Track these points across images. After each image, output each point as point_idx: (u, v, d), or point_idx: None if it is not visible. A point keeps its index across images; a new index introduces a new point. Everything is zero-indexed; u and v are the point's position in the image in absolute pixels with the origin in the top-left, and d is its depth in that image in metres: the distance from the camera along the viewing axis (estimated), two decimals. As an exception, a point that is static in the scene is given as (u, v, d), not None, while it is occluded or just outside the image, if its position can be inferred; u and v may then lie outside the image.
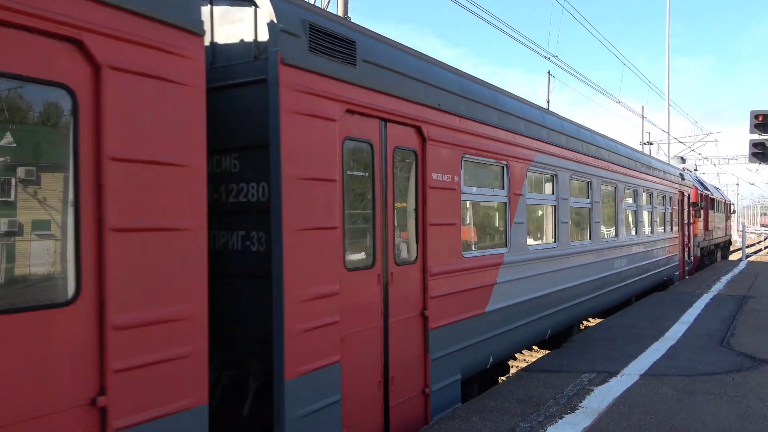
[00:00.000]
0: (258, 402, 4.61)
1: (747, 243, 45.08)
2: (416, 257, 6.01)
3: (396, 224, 5.73)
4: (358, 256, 5.31)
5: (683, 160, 32.26)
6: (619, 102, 26.34)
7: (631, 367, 7.78)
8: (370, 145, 5.38)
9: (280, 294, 4.36)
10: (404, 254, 5.93)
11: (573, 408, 6.20)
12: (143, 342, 3.41)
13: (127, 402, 3.32)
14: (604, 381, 7.17)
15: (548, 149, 9.04)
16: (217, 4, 4.92)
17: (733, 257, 36.54)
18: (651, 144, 42.61)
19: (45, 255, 3.21)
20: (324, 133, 4.76)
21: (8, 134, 2.98)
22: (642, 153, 16.73)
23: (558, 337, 9.75)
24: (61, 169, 3.18)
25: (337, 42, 4.94)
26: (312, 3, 6.84)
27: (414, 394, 5.94)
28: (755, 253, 43.05)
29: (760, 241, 63.90)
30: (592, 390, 6.80)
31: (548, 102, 25.79)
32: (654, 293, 15.59)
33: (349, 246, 5.15)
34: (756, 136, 24.58)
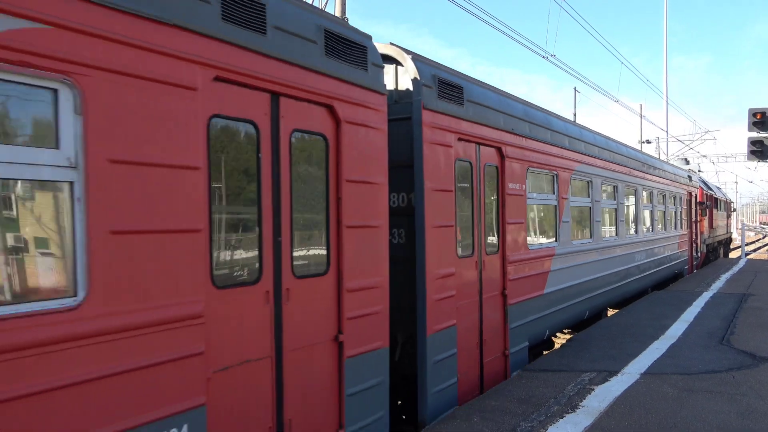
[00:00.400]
0: (403, 352, 6.32)
1: (746, 241, 45.17)
2: (498, 249, 7.63)
3: (485, 223, 7.33)
4: (464, 248, 6.92)
5: (687, 161, 32.69)
6: (617, 101, 26.36)
7: (631, 366, 7.79)
8: (470, 163, 7.03)
9: (422, 274, 5.99)
10: (491, 247, 7.52)
11: (574, 407, 6.20)
12: (360, 301, 5.08)
13: (352, 340, 4.97)
14: (604, 380, 7.17)
15: (585, 160, 10.72)
16: None
17: (732, 255, 36.58)
18: (649, 142, 42.61)
19: (318, 241, 4.83)
20: (446, 156, 6.39)
21: (301, 166, 4.66)
22: (656, 158, 18.37)
23: (591, 320, 11.34)
24: (322, 192, 4.84)
25: (453, 89, 6.61)
26: (311, 1, 7.24)
27: (498, 355, 7.62)
28: (755, 250, 43.09)
29: (760, 239, 63.94)
30: (593, 389, 6.81)
31: (575, 115, 27.12)
32: (654, 291, 15.60)
33: (458, 240, 6.73)
34: (754, 134, 24.60)
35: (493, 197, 7.59)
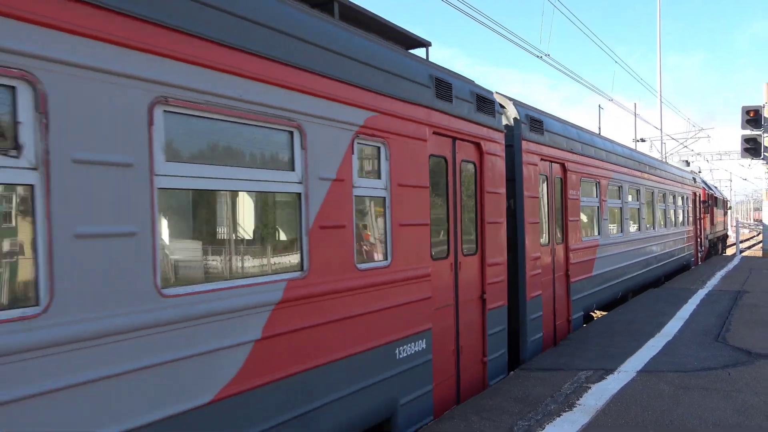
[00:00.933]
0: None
1: (741, 238, 45.30)
2: (562, 240, 10.02)
3: (555, 220, 9.70)
4: (546, 238, 9.38)
5: (688, 163, 33.80)
6: (611, 100, 26.43)
7: (627, 364, 7.82)
8: (546, 177, 9.38)
9: (523, 256, 8.37)
10: (559, 238, 9.91)
11: (571, 406, 6.23)
12: (493, 272, 7.40)
13: (490, 298, 7.31)
14: (601, 378, 7.20)
15: (617, 169, 13.19)
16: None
17: (728, 252, 36.71)
18: (644, 141, 42.74)
19: (472, 232, 7.13)
20: (534, 172, 8.76)
21: (465, 183, 6.98)
22: (669, 164, 21.67)
23: (619, 300, 13.58)
24: (473, 198, 7.18)
25: (537, 123, 8.96)
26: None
27: (564, 321, 10.13)
28: (749, 248, 43.19)
29: (754, 236, 64.20)
30: (590, 387, 6.83)
31: (599, 129, 29.49)
32: (650, 289, 15.66)
33: (543, 232, 9.20)
34: (748, 132, 24.76)
35: (559, 201, 9.98)
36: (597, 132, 15.51)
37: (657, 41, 38.32)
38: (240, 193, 4.29)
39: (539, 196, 8.90)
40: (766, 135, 24.51)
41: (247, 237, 4.44)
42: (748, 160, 64.19)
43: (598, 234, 11.86)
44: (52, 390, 2.91)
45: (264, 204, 4.57)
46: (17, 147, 2.89)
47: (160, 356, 3.43)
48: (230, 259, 4.24)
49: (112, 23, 3.25)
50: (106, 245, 3.19)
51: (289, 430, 4.28)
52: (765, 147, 24.36)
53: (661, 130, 40.25)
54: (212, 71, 3.80)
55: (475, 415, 5.99)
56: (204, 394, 3.68)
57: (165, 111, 3.54)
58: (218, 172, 3.90)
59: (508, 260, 7.94)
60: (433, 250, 6.19)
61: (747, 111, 24.51)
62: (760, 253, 30.64)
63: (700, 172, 40.75)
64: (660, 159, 20.60)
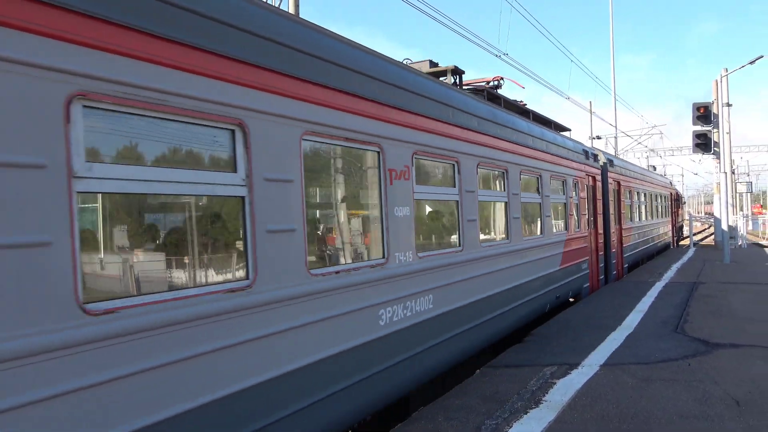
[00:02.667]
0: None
1: (693, 230, 46.87)
2: (618, 223, 17.86)
3: (616, 214, 17.70)
4: (613, 221, 17.12)
5: (655, 168, 37.68)
6: (568, 98, 26.94)
7: (591, 358, 7.88)
8: (616, 190, 17.56)
9: (608, 231, 16.55)
10: (616, 224, 17.75)
11: (537, 402, 6.21)
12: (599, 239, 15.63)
13: (566, 259, 12.29)
14: (565, 373, 7.23)
15: (638, 180, 22.05)
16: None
17: (683, 243, 37.88)
18: (599, 138, 43.72)
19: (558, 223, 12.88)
20: (613, 189, 17.26)
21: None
22: (658, 174, 34.37)
23: (635, 266, 21.20)
24: (595, 200, 15.54)
25: (611, 162, 17.39)
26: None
27: (621, 265, 18.06)
28: (702, 240, 44.75)
29: (705, 228, 66.55)
30: (555, 383, 6.84)
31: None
32: (610, 283, 15.96)
33: (589, 222, 14.49)
34: (698, 128, 25.48)
35: (618, 202, 17.79)
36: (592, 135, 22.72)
37: (610, 40, 39.21)
38: (176, 196, 3.95)
39: (612, 199, 17.03)
40: (715, 131, 25.32)
41: (186, 244, 4.14)
42: (699, 156, 66.20)
43: (631, 221, 20.15)
44: None
45: (201, 208, 4.26)
46: None
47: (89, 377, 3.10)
48: (171, 269, 3.97)
49: (20, 8, 2.90)
50: (15, 257, 2.83)
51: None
52: (715, 142, 25.14)
53: (615, 127, 41.15)
54: (140, 62, 3.46)
55: (442, 416, 5.91)
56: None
57: (85, 106, 3.21)
58: (147, 174, 3.56)
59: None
60: (580, 224, 13.52)
61: (697, 107, 25.17)
62: (712, 243, 31.79)
63: (654, 168, 42.34)
64: (651, 170, 31.37)
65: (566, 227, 12.37)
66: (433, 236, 7.63)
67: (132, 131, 3.60)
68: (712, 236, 52.09)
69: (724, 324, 9.80)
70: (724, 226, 21.34)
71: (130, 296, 3.48)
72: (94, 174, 3.21)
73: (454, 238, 7.61)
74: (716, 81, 29.09)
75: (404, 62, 8.02)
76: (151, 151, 3.75)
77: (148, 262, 3.91)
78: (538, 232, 10.81)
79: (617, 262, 17.17)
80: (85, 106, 3.19)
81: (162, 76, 3.56)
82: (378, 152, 5.84)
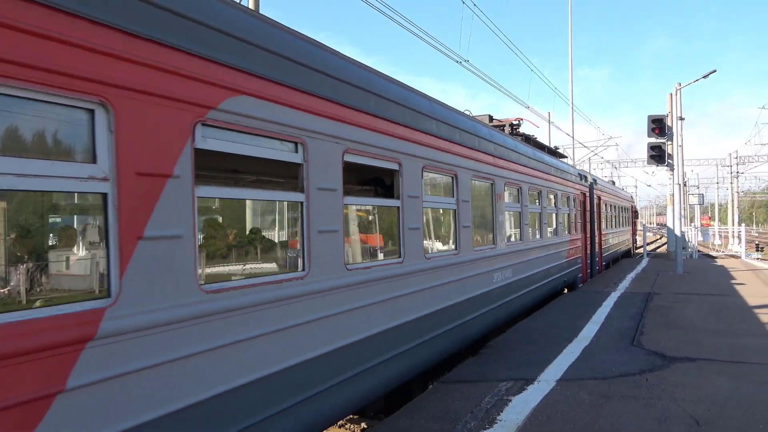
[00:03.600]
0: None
1: (647, 241, 47.89)
2: (598, 232, 22.02)
3: (593, 223, 20.92)
4: (579, 231, 18.53)
5: (613, 182, 39.18)
6: (528, 107, 27.07)
7: (547, 372, 7.58)
8: (596, 203, 21.82)
9: (594, 236, 21.59)
10: (599, 231, 22.38)
11: (491, 422, 5.84)
12: (588, 242, 19.95)
13: (569, 255, 16.77)
14: (521, 389, 6.89)
15: (614, 198, 28.56)
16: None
17: (638, 251, 38.61)
18: (558, 149, 44.26)
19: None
20: (597, 202, 22.12)
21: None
22: (624, 190, 41.22)
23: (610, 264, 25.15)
24: (588, 212, 20.31)
25: (596, 182, 22.47)
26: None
27: (601, 264, 22.51)
28: (654, 249, 45.76)
29: (658, 238, 68.37)
30: (510, 400, 6.49)
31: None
32: (566, 293, 15.87)
33: (581, 229, 19.07)
34: (653, 140, 25.95)
35: (599, 213, 22.11)
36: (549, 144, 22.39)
37: (569, 52, 39.81)
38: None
39: (595, 213, 20.99)
40: (669, 143, 25.82)
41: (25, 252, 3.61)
42: (652, 168, 67.83)
43: (607, 228, 24.43)
44: None
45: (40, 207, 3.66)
46: None
47: None
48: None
49: None
50: None
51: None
52: (669, 154, 25.63)
53: (572, 137, 41.80)
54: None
55: (389, 438, 5.47)
56: None
57: None
58: None
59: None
60: (576, 229, 17.68)
61: (652, 120, 25.63)
62: (664, 253, 32.47)
63: (614, 183, 43.49)
64: (612, 185, 33.81)
65: (569, 231, 16.87)
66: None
67: None
68: (664, 246, 53.48)
69: (679, 336, 9.69)
70: (678, 236, 21.64)
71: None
72: None
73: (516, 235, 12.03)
74: (671, 94, 29.74)
75: (467, 112, 10.32)
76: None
77: None
78: (554, 233, 15.03)
79: (599, 259, 21.95)
80: None
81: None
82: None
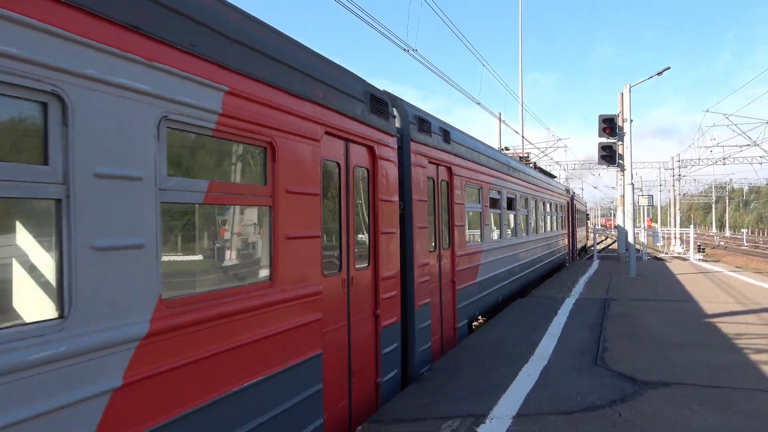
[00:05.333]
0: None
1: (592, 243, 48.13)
2: (544, 230, 21.50)
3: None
4: (565, 227, 26.91)
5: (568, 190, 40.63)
6: (479, 103, 26.04)
7: (501, 405, 6.28)
8: (569, 206, 28.10)
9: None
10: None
11: (432, 484, 4.47)
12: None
13: (562, 244, 26.49)
14: (470, 431, 5.56)
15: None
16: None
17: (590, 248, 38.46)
18: (508, 149, 43.77)
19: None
20: (574, 208, 29.87)
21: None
22: (582, 202, 43.14)
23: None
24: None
25: (574, 192, 30.56)
26: None
27: (570, 259, 28.16)
28: (602, 250, 45.90)
29: (604, 239, 69.41)
30: (457, 449, 5.14)
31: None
32: (518, 299, 14.77)
33: (565, 226, 26.65)
34: (604, 140, 25.39)
35: (574, 216, 30.92)
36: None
37: (519, 48, 39.35)
38: None
39: (574, 215, 30.14)
40: (620, 143, 25.34)
41: None
42: (598, 171, 68.56)
43: (578, 227, 30.13)
44: None
45: None
46: None
47: None
48: None
49: None
50: None
51: None
52: (619, 155, 25.13)
53: (522, 136, 41.37)
54: None
55: None
56: None
57: None
58: None
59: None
60: (565, 227, 25.70)
61: (603, 119, 25.09)
62: (612, 255, 32.16)
63: (560, 180, 43.61)
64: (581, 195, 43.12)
65: (562, 227, 22.95)
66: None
67: None
68: (609, 247, 54.04)
69: (646, 352, 8.61)
70: (630, 239, 20.98)
71: None
72: None
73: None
74: (621, 94, 29.37)
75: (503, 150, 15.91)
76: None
77: None
78: (555, 228, 20.56)
79: (575, 249, 26.85)
80: None
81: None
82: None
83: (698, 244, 48.04)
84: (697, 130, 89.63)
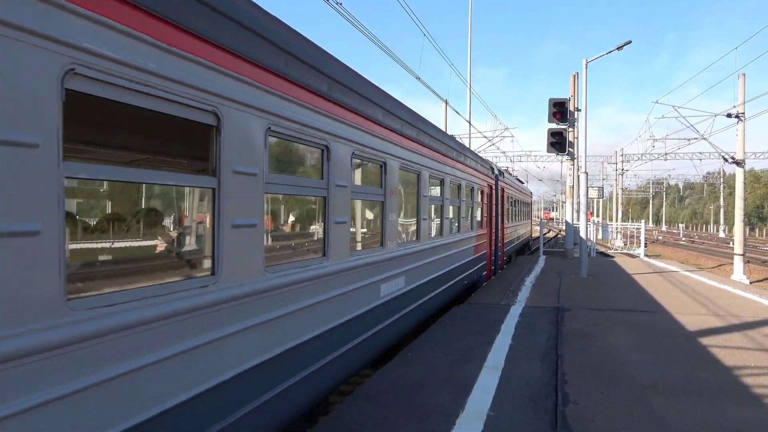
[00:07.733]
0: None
1: (535, 235, 46.66)
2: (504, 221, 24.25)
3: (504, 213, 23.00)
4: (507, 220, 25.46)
5: (521, 181, 39.79)
6: (419, 78, 23.20)
7: None
8: (493, 194, 19.83)
9: (498, 229, 20.98)
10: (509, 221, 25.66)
11: None
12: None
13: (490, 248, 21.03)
14: None
15: (517, 193, 28.66)
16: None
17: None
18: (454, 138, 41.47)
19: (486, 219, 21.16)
20: (498, 194, 21.17)
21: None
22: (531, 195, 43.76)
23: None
24: (496, 204, 20.71)
25: (501, 174, 21.44)
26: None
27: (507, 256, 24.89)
28: (545, 243, 44.40)
29: (546, 233, 68.68)
30: None
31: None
32: (454, 307, 12.06)
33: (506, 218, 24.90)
34: (554, 126, 23.06)
35: (501, 206, 21.84)
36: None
37: (468, 52, 36.90)
38: None
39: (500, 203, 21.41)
40: (571, 129, 23.17)
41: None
42: (543, 163, 67.31)
43: (509, 222, 24.65)
44: None
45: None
46: None
47: None
48: None
49: None
50: None
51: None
52: (570, 142, 22.94)
53: (469, 124, 39.10)
54: None
55: None
56: None
57: None
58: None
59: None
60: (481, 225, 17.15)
61: (554, 103, 22.72)
62: (556, 250, 30.23)
63: (507, 169, 41.85)
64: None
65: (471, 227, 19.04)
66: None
67: None
68: (551, 240, 52.83)
69: (625, 404, 5.97)
70: (583, 234, 18.70)
71: None
72: None
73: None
74: (574, 76, 27.19)
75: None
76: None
77: None
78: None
79: (501, 255, 21.04)
80: None
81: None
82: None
83: (636, 238, 47.39)
84: (645, 122, 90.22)
